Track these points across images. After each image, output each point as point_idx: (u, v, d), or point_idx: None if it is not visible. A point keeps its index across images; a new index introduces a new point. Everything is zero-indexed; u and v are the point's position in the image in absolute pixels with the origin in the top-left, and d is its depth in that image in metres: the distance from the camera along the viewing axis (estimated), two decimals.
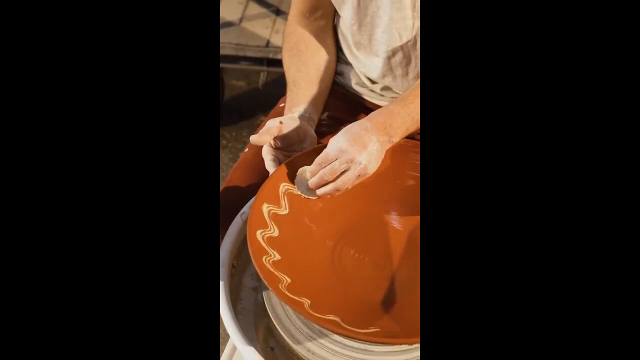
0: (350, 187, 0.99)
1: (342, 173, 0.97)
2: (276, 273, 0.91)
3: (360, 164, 0.97)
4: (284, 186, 1.00)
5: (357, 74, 1.23)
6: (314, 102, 1.14)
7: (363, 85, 1.23)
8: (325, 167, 0.97)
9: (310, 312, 0.86)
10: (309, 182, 0.99)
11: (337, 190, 0.98)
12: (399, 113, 1.01)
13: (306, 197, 1.00)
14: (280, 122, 1.04)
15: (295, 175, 1.01)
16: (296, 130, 1.06)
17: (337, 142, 0.97)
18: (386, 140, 1.00)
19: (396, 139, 1.01)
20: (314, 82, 1.17)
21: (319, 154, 0.98)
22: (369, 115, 1.02)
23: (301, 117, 1.09)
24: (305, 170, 1.00)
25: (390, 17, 1.08)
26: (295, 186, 1.01)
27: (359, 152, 0.96)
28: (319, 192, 0.99)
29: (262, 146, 1.06)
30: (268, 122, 1.04)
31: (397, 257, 0.98)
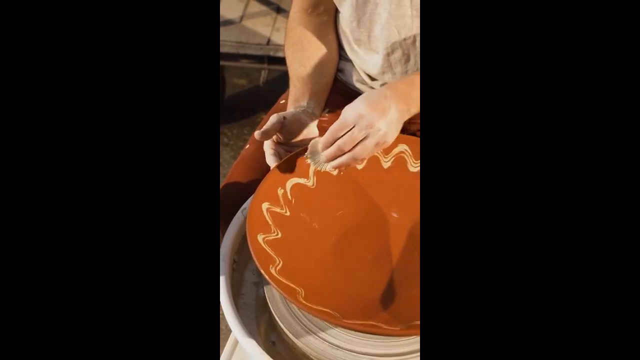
0: (367, 157, 0.92)
1: (359, 142, 0.91)
2: (270, 253, 0.90)
3: (380, 130, 0.91)
4: (284, 180, 1.00)
5: (357, 70, 1.23)
6: (316, 97, 1.15)
7: (363, 82, 1.23)
8: (342, 135, 0.91)
9: (303, 301, 0.86)
10: (323, 153, 0.93)
11: (355, 160, 0.92)
12: (419, 84, 0.95)
13: (321, 169, 0.95)
14: (284, 118, 1.04)
15: (295, 172, 1.01)
16: (298, 125, 1.06)
17: (355, 108, 0.91)
18: (405, 109, 0.95)
19: (414, 110, 0.97)
20: (317, 77, 1.17)
21: None
22: (388, 84, 0.99)
23: (304, 112, 1.10)
24: (318, 142, 0.95)
25: (390, 14, 1.09)
26: (309, 159, 0.96)
27: (378, 118, 0.90)
28: (334, 163, 0.92)
29: (263, 142, 1.06)
30: (271, 117, 1.04)
31: (397, 254, 0.98)
